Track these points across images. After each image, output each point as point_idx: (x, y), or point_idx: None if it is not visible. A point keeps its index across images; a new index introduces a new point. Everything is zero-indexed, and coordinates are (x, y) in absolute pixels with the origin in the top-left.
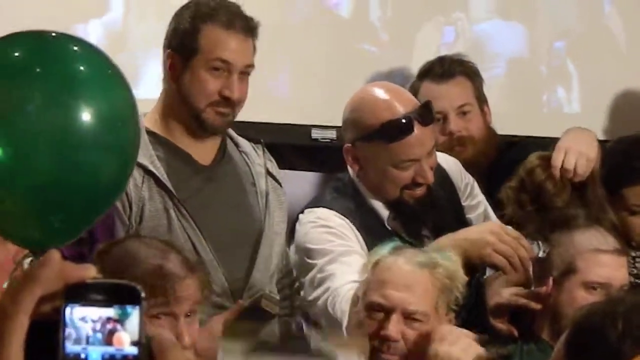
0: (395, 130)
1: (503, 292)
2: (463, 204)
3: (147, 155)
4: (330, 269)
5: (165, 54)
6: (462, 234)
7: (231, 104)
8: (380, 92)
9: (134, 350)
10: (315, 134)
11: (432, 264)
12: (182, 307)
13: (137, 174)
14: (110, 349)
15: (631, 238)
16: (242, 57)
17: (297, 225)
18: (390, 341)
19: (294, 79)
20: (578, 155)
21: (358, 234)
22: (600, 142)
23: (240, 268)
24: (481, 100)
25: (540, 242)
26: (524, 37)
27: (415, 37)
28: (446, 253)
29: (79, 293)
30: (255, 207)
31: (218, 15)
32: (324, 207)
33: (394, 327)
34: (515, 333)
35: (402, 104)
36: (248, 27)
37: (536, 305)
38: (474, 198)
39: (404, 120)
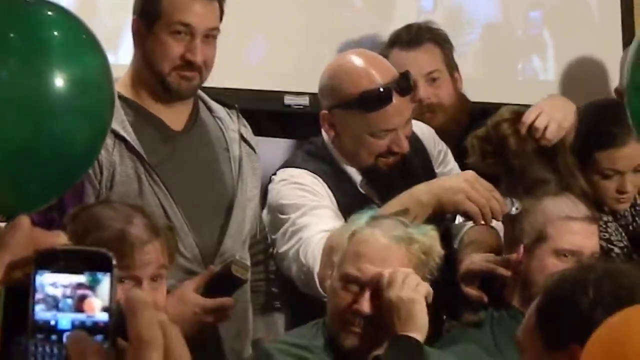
0: (374, 100)
1: (474, 258)
2: (436, 170)
3: (118, 120)
4: (302, 221)
5: (132, 21)
6: (437, 182)
7: (195, 67)
8: (359, 61)
9: (104, 317)
10: (288, 100)
11: (409, 240)
12: (146, 270)
13: (108, 138)
14: (80, 316)
15: (603, 202)
16: (205, 20)
17: (270, 186)
18: (362, 316)
19: (267, 45)
20: (551, 119)
21: (330, 192)
22: None
23: (211, 234)
24: (451, 66)
25: (514, 200)
26: (500, 5)
27: (392, 4)
28: (424, 228)
29: (49, 259)
30: (228, 173)
31: None
32: (296, 167)
33: (367, 302)
34: (486, 299)
35: (381, 74)
36: None
37: (506, 272)
38: (446, 165)
39: (382, 90)
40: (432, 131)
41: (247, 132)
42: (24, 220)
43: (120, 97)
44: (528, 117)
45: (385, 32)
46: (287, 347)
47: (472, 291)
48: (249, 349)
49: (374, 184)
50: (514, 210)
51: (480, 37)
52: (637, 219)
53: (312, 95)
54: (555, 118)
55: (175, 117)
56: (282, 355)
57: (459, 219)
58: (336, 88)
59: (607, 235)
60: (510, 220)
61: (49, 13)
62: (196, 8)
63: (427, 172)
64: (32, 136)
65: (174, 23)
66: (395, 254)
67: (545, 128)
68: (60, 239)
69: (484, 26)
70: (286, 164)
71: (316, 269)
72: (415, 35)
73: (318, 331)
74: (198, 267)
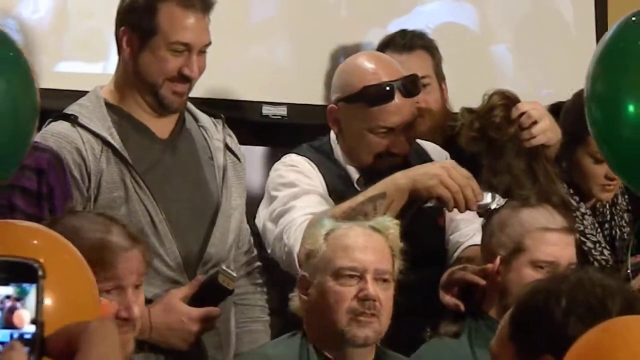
0: (375, 95)
1: (453, 269)
2: None
3: (105, 126)
4: (290, 203)
5: (120, 31)
6: (416, 168)
7: (189, 81)
8: (369, 59)
9: (31, 329)
10: (266, 110)
11: (384, 227)
12: (130, 279)
13: (96, 145)
14: (7, 329)
15: (589, 191)
16: (201, 37)
17: (271, 172)
18: (371, 301)
19: (244, 54)
20: (543, 119)
21: (324, 183)
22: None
23: (195, 242)
24: (440, 76)
25: (497, 195)
26: (477, 18)
27: (374, 14)
28: (387, 218)
29: None
30: (213, 182)
31: None
32: (297, 153)
33: (373, 287)
34: (462, 308)
35: (387, 72)
36: (205, 5)
37: (481, 281)
38: None
39: (386, 88)
40: (445, 154)
41: (233, 142)
42: None
43: (107, 104)
44: (524, 105)
45: (364, 41)
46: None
47: (449, 300)
48: None
49: (371, 183)
50: (494, 205)
51: (458, 48)
52: (615, 217)
53: (290, 105)
54: (547, 122)
55: (161, 125)
56: None
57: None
58: (343, 82)
59: (582, 227)
60: (489, 215)
61: None
62: (192, 26)
63: None
64: None
65: (173, 43)
66: (377, 241)
67: (535, 123)
68: None
69: (462, 38)
70: (291, 151)
71: (296, 250)
72: (409, 41)
73: (294, 342)
74: (180, 276)
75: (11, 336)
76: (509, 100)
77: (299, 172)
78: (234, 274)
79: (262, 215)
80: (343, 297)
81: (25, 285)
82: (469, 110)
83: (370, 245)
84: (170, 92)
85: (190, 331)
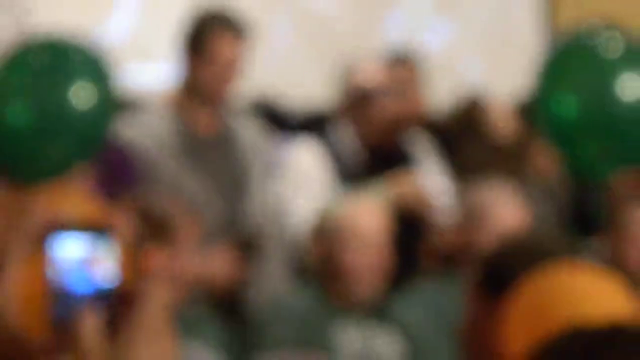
0: (363, 97)
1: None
2: None
3: (163, 125)
4: (294, 195)
5: (182, 47)
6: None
7: (228, 90)
8: (364, 67)
9: (110, 283)
10: (288, 108)
11: (383, 196)
12: (184, 245)
13: (156, 139)
14: (90, 281)
15: (543, 165)
16: (240, 56)
17: (284, 154)
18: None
19: (272, 64)
20: (509, 116)
21: (328, 162)
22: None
23: (230, 213)
24: (420, 83)
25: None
26: (452, 33)
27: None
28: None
29: (64, 232)
30: (245, 167)
31: (223, 24)
32: (309, 139)
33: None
34: (439, 266)
35: (374, 78)
36: (244, 33)
37: (456, 244)
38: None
39: (370, 89)
40: (429, 143)
41: (259, 129)
42: (38, 205)
43: (165, 106)
44: (494, 104)
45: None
46: (276, 308)
47: (428, 258)
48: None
49: (370, 162)
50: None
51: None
52: (563, 196)
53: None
54: (511, 118)
55: (205, 124)
56: (274, 318)
57: None
58: (342, 85)
59: (533, 196)
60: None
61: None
62: (235, 50)
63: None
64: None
65: (220, 61)
66: (381, 212)
67: (501, 119)
68: (69, 219)
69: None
70: (315, 130)
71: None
72: (403, 55)
73: (310, 290)
74: (222, 237)
75: (92, 288)
76: (482, 100)
77: (308, 158)
78: (263, 234)
79: (272, 191)
80: (353, 266)
81: (104, 245)
82: (454, 107)
83: (377, 219)
84: (213, 97)
85: (230, 279)
